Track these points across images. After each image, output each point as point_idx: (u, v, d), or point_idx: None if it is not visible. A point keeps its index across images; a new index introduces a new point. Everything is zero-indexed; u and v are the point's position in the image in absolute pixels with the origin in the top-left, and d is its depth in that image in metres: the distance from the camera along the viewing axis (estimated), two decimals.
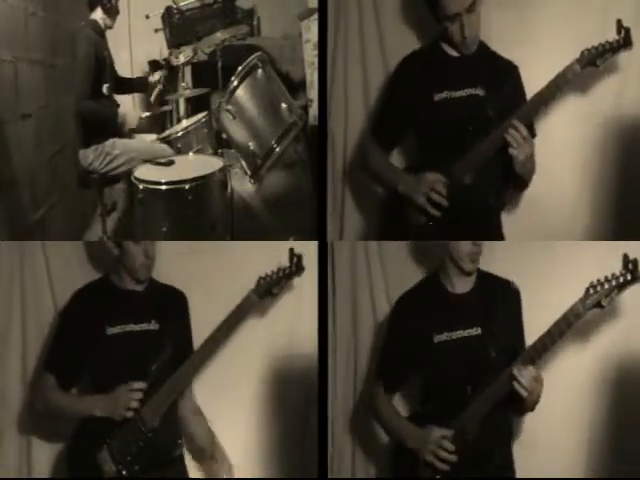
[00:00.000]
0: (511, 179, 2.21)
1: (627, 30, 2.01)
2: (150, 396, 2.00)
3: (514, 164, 2.10)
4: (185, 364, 2.04)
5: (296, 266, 2.05)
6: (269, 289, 2.05)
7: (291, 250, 2.05)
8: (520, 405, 1.95)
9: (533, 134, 2.20)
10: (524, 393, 1.88)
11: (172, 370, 2.04)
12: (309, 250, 2.28)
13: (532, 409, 1.97)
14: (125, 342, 2.04)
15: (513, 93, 2.20)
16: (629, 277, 1.81)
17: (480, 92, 2.17)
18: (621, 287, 1.82)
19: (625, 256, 1.82)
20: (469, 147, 2.14)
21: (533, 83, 2.15)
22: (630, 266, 1.81)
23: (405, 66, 2.31)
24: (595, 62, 2.04)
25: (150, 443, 1.99)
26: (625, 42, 2.02)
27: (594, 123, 2.41)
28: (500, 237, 2.29)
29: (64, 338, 2.11)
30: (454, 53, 2.21)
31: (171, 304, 2.16)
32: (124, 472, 1.98)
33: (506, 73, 2.23)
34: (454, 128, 2.17)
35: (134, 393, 1.97)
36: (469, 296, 2.06)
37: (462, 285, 2.06)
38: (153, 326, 2.07)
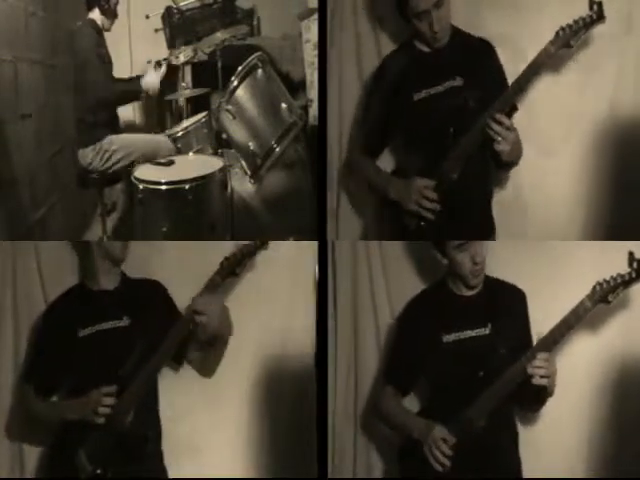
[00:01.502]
0: (500, 167, 2.23)
1: (599, 4, 2.00)
2: (122, 393, 2.00)
3: (501, 156, 2.10)
4: (154, 357, 2.03)
5: (260, 242, 2.03)
6: (232, 270, 2.03)
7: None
8: (542, 393, 1.95)
9: (515, 108, 2.20)
10: (544, 382, 1.88)
11: (146, 364, 2.03)
12: (309, 250, 2.29)
13: (551, 394, 1.97)
14: (96, 342, 2.06)
15: (491, 75, 2.20)
16: (634, 275, 1.88)
17: (459, 82, 2.16)
18: (627, 284, 1.89)
19: (630, 254, 1.89)
20: (454, 142, 2.14)
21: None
22: (635, 265, 1.88)
23: (381, 69, 2.31)
24: (569, 42, 2.03)
25: (123, 440, 2.00)
26: (598, 16, 2.01)
27: (590, 121, 2.39)
28: (492, 227, 2.30)
29: (39, 349, 2.16)
30: (427, 49, 2.21)
31: (145, 297, 2.16)
32: (98, 471, 2.00)
33: (482, 55, 2.22)
34: (438, 125, 2.16)
35: (104, 398, 1.97)
36: (477, 298, 2.07)
37: (469, 289, 2.08)
38: (124, 322, 2.08)
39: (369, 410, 2.38)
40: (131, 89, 3.28)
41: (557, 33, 2.04)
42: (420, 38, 2.20)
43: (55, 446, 2.11)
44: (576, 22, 2.02)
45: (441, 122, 2.16)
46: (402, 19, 2.18)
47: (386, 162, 2.46)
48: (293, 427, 2.32)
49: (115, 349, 2.05)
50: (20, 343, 2.29)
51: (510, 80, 2.15)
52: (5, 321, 2.29)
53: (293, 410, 2.32)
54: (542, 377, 1.88)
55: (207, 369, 2.22)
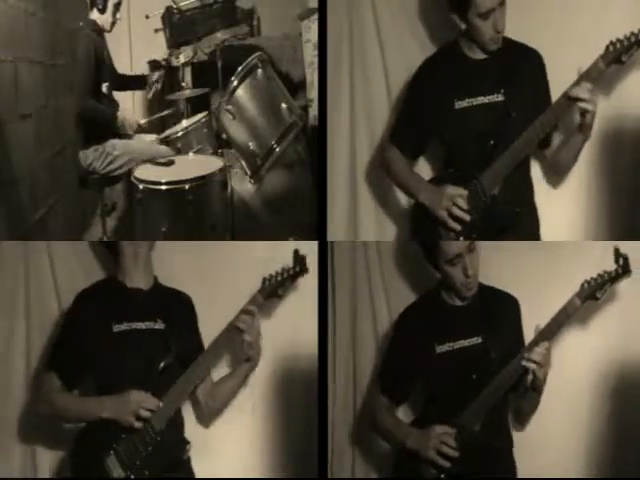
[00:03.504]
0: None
1: None
2: (157, 399, 1.97)
3: (584, 118, 1.99)
4: (192, 367, 2.03)
5: (300, 267, 2.04)
6: (275, 290, 2.04)
7: (296, 251, 2.05)
8: (536, 384, 1.95)
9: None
10: (532, 366, 1.89)
11: (178, 372, 2.02)
12: (309, 250, 2.29)
13: (544, 383, 1.97)
14: (131, 339, 2.02)
15: (536, 89, 2.12)
16: (620, 270, 1.93)
17: (503, 96, 2.09)
18: (613, 280, 1.94)
19: (616, 250, 1.93)
20: (493, 154, 2.08)
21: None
22: (621, 261, 1.92)
23: (424, 70, 2.25)
24: (620, 58, 1.95)
25: (159, 447, 1.96)
26: None
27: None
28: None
29: (69, 337, 2.08)
30: (479, 56, 2.13)
31: (177, 306, 2.15)
32: (132, 477, 1.95)
33: (530, 68, 2.12)
34: (478, 136, 2.10)
35: (146, 403, 1.95)
36: (470, 308, 2.07)
37: (462, 300, 2.08)
38: (159, 325, 2.06)
39: (364, 421, 2.37)
40: (104, 115, 3.22)
41: (607, 48, 1.96)
42: (474, 39, 2.10)
43: (79, 447, 2.02)
44: (628, 39, 1.94)
45: (481, 133, 2.09)
46: (459, 20, 2.08)
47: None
48: (300, 427, 2.31)
49: (150, 351, 2.02)
50: (32, 344, 2.27)
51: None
52: (17, 322, 2.28)
53: (299, 411, 2.31)
54: (536, 363, 1.89)
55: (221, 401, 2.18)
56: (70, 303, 2.14)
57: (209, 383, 2.14)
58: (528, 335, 2.02)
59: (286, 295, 2.08)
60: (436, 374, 2.07)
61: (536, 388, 1.97)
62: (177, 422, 2.06)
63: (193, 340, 2.14)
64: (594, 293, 1.94)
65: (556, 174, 2.32)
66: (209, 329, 2.13)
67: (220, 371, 2.20)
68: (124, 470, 1.95)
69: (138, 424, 1.94)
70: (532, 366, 1.90)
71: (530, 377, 1.93)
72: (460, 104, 2.13)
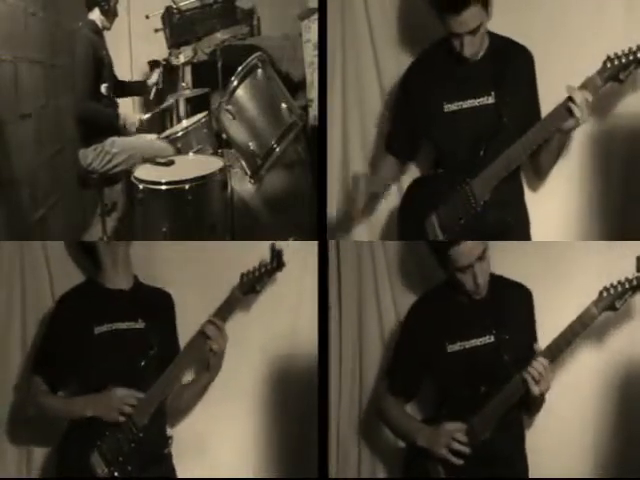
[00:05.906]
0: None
1: None
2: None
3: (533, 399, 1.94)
4: (173, 362, 2.04)
5: (277, 262, 2.03)
6: (252, 286, 2.04)
7: (272, 247, 2.04)
8: (533, 399, 1.91)
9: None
10: (534, 389, 1.84)
11: (160, 369, 2.04)
12: (309, 250, 2.29)
13: (542, 401, 1.93)
14: (112, 340, 2.05)
15: (525, 89, 2.08)
16: None
17: (493, 99, 2.05)
18: (635, 289, 1.83)
19: (638, 258, 1.83)
20: (485, 161, 2.04)
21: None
22: None
23: (412, 71, 2.21)
24: (618, 76, 1.90)
25: (141, 442, 1.98)
26: None
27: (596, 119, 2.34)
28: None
29: (52, 341, 2.11)
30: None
31: (157, 304, 2.17)
32: (116, 473, 1.97)
33: (519, 67, 2.08)
34: (468, 140, 2.06)
35: (129, 399, 1.97)
36: (481, 304, 2.00)
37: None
38: (139, 325, 2.08)
39: (372, 414, 2.36)
40: (105, 115, 3.21)
41: (604, 63, 1.90)
42: (454, 44, 2.01)
43: (64, 445, 2.05)
44: (626, 55, 1.88)
45: (472, 138, 2.06)
46: (439, 19, 2.01)
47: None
48: (298, 428, 2.32)
49: (131, 350, 2.05)
50: (28, 342, 2.28)
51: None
52: (14, 321, 2.29)
53: (298, 411, 2.31)
54: (534, 380, 1.84)
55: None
56: (52, 307, 2.16)
57: (178, 384, 2.15)
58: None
59: (263, 290, 2.06)
60: (447, 374, 2.03)
61: (530, 405, 1.93)
62: (159, 418, 2.07)
63: (172, 338, 2.16)
64: (613, 303, 1.83)
65: (538, 176, 2.27)
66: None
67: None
68: (107, 466, 1.98)
69: (122, 419, 1.97)
70: (529, 379, 1.84)
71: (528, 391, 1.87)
72: (449, 107, 2.10)
